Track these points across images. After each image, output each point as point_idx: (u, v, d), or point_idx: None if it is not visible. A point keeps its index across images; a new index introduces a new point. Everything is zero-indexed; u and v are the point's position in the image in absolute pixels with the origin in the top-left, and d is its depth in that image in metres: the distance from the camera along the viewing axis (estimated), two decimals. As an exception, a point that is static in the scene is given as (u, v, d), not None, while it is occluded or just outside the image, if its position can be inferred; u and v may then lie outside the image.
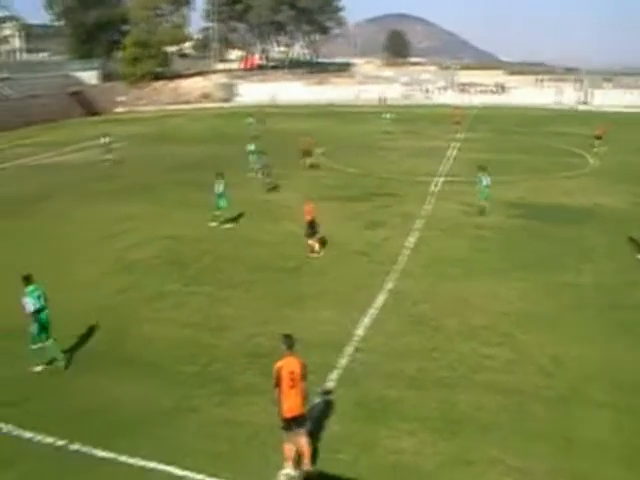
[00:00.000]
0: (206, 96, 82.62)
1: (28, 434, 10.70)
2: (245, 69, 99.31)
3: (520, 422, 10.67)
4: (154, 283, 17.63)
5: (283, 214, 24.31)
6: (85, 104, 77.36)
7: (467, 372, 12.30)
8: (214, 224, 22.98)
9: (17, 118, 64.75)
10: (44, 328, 12.81)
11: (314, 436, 10.20)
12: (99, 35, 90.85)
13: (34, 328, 12.70)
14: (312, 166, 33.96)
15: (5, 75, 72.71)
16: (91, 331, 14.68)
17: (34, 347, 12.84)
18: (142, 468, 9.73)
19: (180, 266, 18.96)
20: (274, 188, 28.75)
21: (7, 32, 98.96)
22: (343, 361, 12.80)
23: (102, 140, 38.58)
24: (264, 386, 11.73)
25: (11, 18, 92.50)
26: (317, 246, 19.66)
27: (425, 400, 11.36)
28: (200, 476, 9.47)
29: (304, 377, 9.22)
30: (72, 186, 31.90)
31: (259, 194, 27.80)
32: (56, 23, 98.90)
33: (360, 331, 14.15)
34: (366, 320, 14.72)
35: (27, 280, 12.79)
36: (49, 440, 10.51)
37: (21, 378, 12.71)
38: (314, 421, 10.68)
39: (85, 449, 10.24)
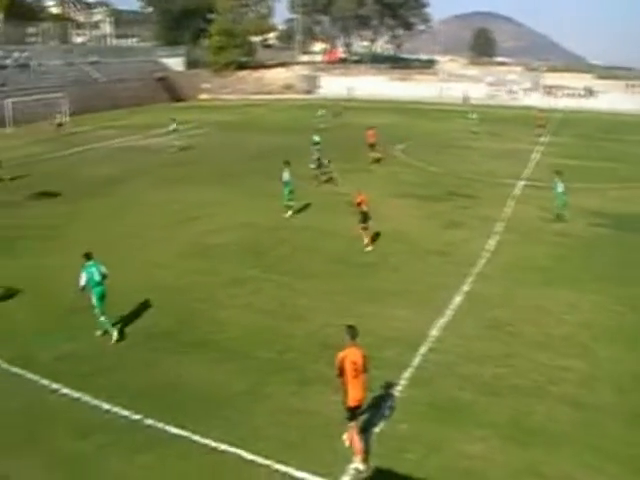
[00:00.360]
0: (288, 87, 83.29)
1: (105, 406, 11.15)
2: (328, 62, 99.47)
3: (594, 438, 10.33)
4: (231, 269, 17.99)
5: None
6: (170, 90, 79.32)
7: (542, 382, 12.00)
8: (289, 213, 23.32)
9: (104, 101, 67.01)
10: (101, 299, 13.73)
11: (383, 434, 10.29)
12: (186, 22, 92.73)
13: (95, 300, 13.66)
14: (376, 160, 33.92)
15: (95, 59, 75.24)
16: (168, 312, 15.12)
17: (102, 319, 13.79)
18: (214, 449, 9.97)
19: (257, 253, 19.28)
20: (327, 181, 28.73)
21: (97, 18, 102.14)
22: (416, 360, 12.74)
23: (171, 127, 39.43)
24: (332, 376, 11.90)
25: (101, 4, 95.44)
26: (366, 240, 19.73)
27: (498, 407, 11.18)
28: (269, 462, 9.63)
29: (366, 368, 9.45)
30: (153, 169, 32.96)
31: (336, 187, 27.89)
32: (144, 10, 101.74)
33: (435, 331, 14.04)
34: (441, 321, 14.59)
35: (87, 257, 13.96)
36: (125, 413, 10.93)
37: (100, 352, 13.27)
38: (383, 419, 10.73)
39: (159, 425, 10.59)
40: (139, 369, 12.51)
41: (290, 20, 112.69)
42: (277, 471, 9.45)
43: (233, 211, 24.08)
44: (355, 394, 9.34)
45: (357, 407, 9.50)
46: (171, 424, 10.56)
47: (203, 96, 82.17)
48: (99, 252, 19.13)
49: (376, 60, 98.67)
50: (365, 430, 10.27)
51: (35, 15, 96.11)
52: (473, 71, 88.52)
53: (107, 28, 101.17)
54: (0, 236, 21.51)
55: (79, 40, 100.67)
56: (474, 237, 21.11)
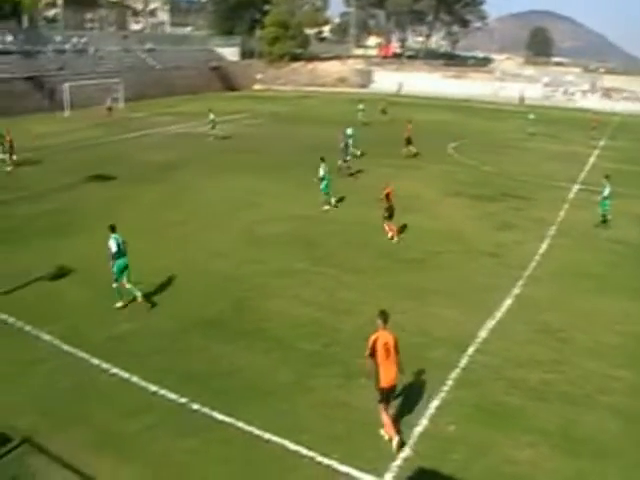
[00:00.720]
0: (342, 80, 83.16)
1: (153, 387, 11.36)
2: (382, 56, 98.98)
3: (644, 453, 10.05)
4: (281, 259, 18.10)
5: (412, 205, 24.07)
6: (224, 79, 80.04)
7: (592, 391, 11.75)
8: (327, 207, 23.49)
9: (159, 88, 67.97)
10: (123, 272, 14.56)
11: (429, 434, 10.24)
12: (241, 13, 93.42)
13: (114, 269, 14.52)
14: (410, 155, 33.80)
15: (151, 46, 76.32)
16: (219, 299, 15.31)
17: (114, 285, 14.66)
18: (258, 437, 10.06)
19: (307, 245, 19.33)
20: (350, 175, 28.69)
21: (154, 5, 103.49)
22: (464, 361, 12.60)
23: (210, 116, 39.55)
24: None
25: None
26: (391, 234, 19.92)
27: (546, 413, 10.98)
28: (312, 453, 9.66)
29: (397, 350, 9.80)
30: (207, 157, 33.38)
31: (387, 181, 27.58)
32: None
33: (483, 333, 13.86)
34: (490, 323, 14.38)
35: (112, 229, 14.78)
36: (172, 396, 11.10)
37: (151, 334, 13.51)
38: (429, 419, 10.65)
39: (205, 410, 10.73)
40: (189, 353, 12.70)
41: (345, 14, 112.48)
42: (320, 463, 9.46)
43: (284, 202, 24.20)
44: (387, 375, 9.64)
45: (389, 388, 9.75)
46: (216, 410, 10.69)
47: (257, 86, 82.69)
48: (153, 236, 19.85)
49: (430, 56, 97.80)
50: (399, 416, 10.38)
51: (94, 2, 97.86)
52: (529, 71, 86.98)
53: (163, 16, 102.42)
54: (55, 217, 22.07)
55: (136, 27, 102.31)
56: (526, 240, 20.75)
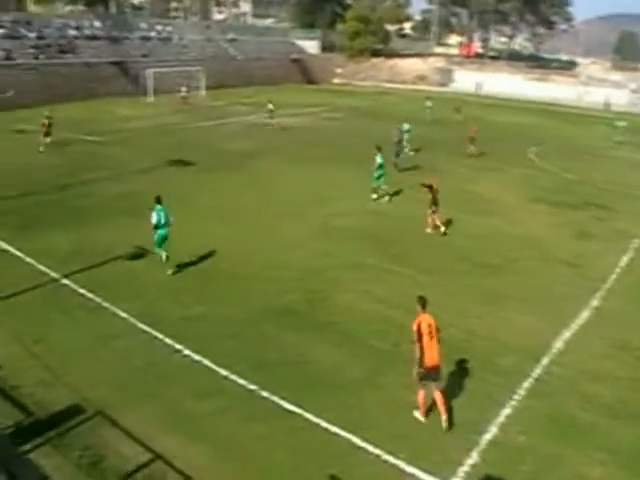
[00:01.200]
0: (422, 78, 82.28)
1: (224, 372, 11.54)
2: (463, 56, 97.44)
3: None
4: (356, 254, 18.05)
5: (491, 209, 23.69)
6: (304, 72, 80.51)
7: (670, 413, 11.26)
8: (374, 196, 23.71)
9: (240, 78, 68.95)
10: (163, 241, 15.96)
11: (498, 442, 10.03)
12: (322, 6, 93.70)
13: (156, 238, 15.90)
14: (473, 155, 33.26)
15: (233, 37, 77.42)
16: (291, 289, 15.41)
17: (156, 251, 16.25)
18: (325, 430, 10.08)
19: (383, 242, 19.21)
20: (400, 171, 28.28)
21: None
22: (537, 371, 12.26)
23: (269, 106, 39.81)
24: (453, 378, 11.68)
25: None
26: (438, 221, 20.14)
27: (620, 432, 10.55)
28: (378, 451, 9.62)
29: (439, 330, 10.29)
30: (285, 147, 33.76)
31: (468, 184, 27.31)
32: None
33: (559, 344, 13.45)
34: (566, 334, 13.94)
35: (158, 201, 15.94)
36: (242, 382, 11.24)
37: (225, 318, 13.72)
38: (499, 427, 10.43)
39: (274, 398, 10.82)
40: (261, 341, 12.84)
41: (427, 11, 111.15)
42: (386, 462, 9.40)
43: (359, 196, 24.11)
44: (431, 355, 10.05)
45: (434, 367, 10.11)
46: (286, 399, 10.76)
47: (336, 80, 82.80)
48: (229, 223, 20.19)
49: (513, 57, 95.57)
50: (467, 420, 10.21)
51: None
52: (616, 76, 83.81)
53: (246, 7, 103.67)
54: (135, 198, 22.62)
55: (219, 17, 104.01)
56: (607, 251, 20.00)
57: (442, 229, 20.17)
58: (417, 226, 20.74)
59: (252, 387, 11.10)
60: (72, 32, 61.62)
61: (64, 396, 10.64)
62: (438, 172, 27.87)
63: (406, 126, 31.42)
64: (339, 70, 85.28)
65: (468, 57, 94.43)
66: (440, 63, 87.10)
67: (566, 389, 11.76)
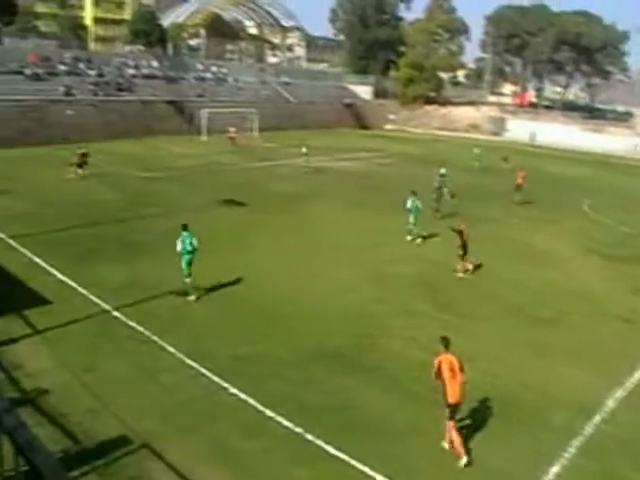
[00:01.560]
0: (475, 126, 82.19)
1: (270, 412, 11.51)
2: (517, 105, 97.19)
3: None
4: (405, 300, 17.95)
5: (544, 260, 23.25)
6: (357, 117, 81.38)
7: None
8: (408, 238, 24.08)
9: (293, 121, 70.07)
10: (189, 265, 16.75)
11: None
12: (376, 52, 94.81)
13: (182, 264, 16.75)
14: (519, 202, 32.91)
15: (287, 80, 78.98)
16: (340, 333, 15.38)
17: (186, 280, 16.91)
18: (369, 477, 9.93)
19: (432, 289, 19.06)
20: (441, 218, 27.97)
21: (292, 41, 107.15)
22: (588, 429, 11.86)
23: (303, 150, 40.23)
24: (502, 431, 11.41)
25: (297, 28, 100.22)
26: (469, 265, 20.63)
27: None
28: (422, 503, 9.42)
29: (462, 369, 10.77)
30: (336, 191, 33.91)
31: (519, 234, 26.93)
32: (337, 37, 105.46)
33: (612, 402, 13.00)
34: (619, 392, 13.48)
35: (184, 228, 17.11)
36: (287, 424, 11.20)
37: (275, 360, 13.73)
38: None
39: (319, 442, 10.74)
40: (308, 383, 12.79)
41: (481, 59, 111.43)
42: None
43: (410, 243, 24.13)
44: (453, 392, 10.55)
45: (456, 404, 10.62)
46: (330, 443, 10.67)
47: (388, 126, 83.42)
48: (280, 264, 20.35)
49: (568, 107, 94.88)
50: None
51: (234, 34, 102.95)
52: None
53: (300, 51, 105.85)
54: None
55: (273, 60, 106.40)
56: (665, 308, 19.42)
57: (469, 267, 20.62)
58: (470, 277, 20.51)
59: (297, 429, 11.04)
60: (130, 71, 63.94)
61: (111, 426, 10.80)
62: (488, 221, 27.80)
63: (443, 170, 31.42)
64: (392, 116, 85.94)
65: (522, 106, 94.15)
66: (493, 112, 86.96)
67: (618, 449, 11.36)
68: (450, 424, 10.60)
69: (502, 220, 29.16)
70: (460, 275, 20.35)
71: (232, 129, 53.87)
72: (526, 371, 13.80)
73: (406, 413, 11.96)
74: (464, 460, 10.39)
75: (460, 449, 10.50)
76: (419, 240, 24.38)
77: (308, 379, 12.93)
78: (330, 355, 14.10)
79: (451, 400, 10.50)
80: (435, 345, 14.91)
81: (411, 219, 24.15)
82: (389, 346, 14.87)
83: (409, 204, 24.01)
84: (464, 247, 20.25)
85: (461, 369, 10.73)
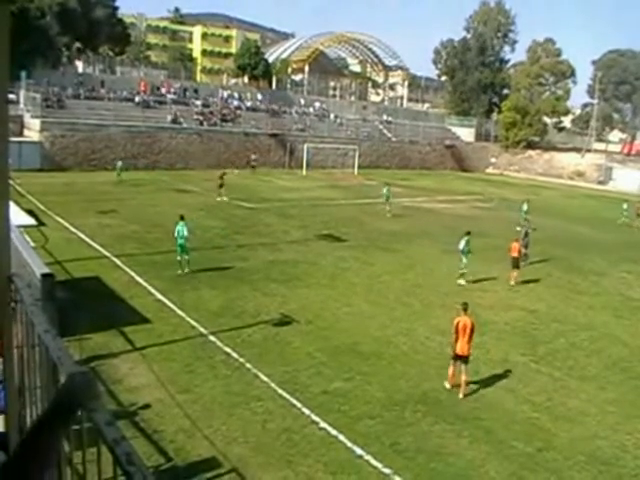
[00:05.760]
0: (580, 174, 79.68)
1: (359, 451, 11.31)
2: (624, 153, 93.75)
3: None
4: (501, 349, 17.33)
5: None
6: (458, 159, 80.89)
7: None
8: (462, 282, 23.39)
9: (393, 159, 70.56)
10: (182, 248, 21.59)
11: None
12: (479, 95, 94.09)
13: (176, 246, 21.70)
14: None
15: (388, 118, 79.43)
16: (435, 376, 15.00)
17: (178, 258, 21.73)
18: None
19: (531, 341, 18.30)
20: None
21: (394, 80, 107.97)
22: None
23: (384, 190, 39.47)
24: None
25: (399, 67, 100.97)
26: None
27: None
28: None
29: (472, 331, 13.93)
30: (438, 232, 33.60)
31: (629, 290, 25.51)
32: (439, 78, 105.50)
33: None
34: None
35: (182, 218, 21.91)
36: (376, 464, 10.96)
37: (363, 397, 13.54)
38: None
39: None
40: (400, 425, 12.51)
41: (587, 104, 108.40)
42: None
43: (512, 292, 23.36)
44: (461, 347, 13.85)
45: (460, 356, 13.92)
46: (422, 492, 10.34)
47: (489, 170, 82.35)
48: (379, 303, 20.25)
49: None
50: None
51: (337, 71, 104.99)
52: None
53: (402, 91, 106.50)
54: (287, 267, 23.68)
55: (375, 99, 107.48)
56: None
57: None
58: (571, 329, 19.65)
59: (386, 470, 10.77)
60: (235, 102, 66.10)
61: (202, 447, 10.96)
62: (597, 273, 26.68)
63: (525, 206, 30.30)
64: (493, 160, 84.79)
65: (629, 155, 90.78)
66: (599, 160, 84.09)
67: None
68: (451, 364, 14.19)
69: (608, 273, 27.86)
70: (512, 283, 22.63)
71: (253, 156, 55.06)
72: (627, 433, 12.97)
73: (501, 467, 11.38)
74: (447, 385, 14.17)
75: (452, 381, 14.12)
76: (462, 281, 23.53)
77: (400, 420, 12.65)
78: (424, 398, 13.77)
79: (458, 351, 13.91)
80: (534, 398, 14.47)
81: (464, 260, 23.56)
82: (486, 396, 14.35)
83: (462, 245, 23.49)
84: (516, 261, 23.75)
85: (472, 330, 13.86)
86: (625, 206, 43.72)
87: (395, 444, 11.67)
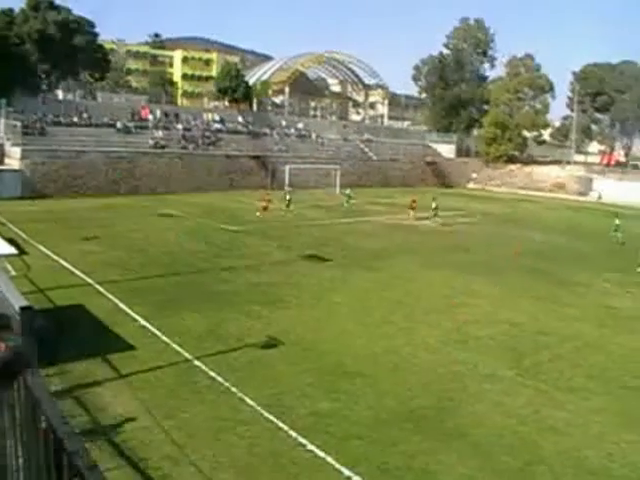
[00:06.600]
0: (560, 186, 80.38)
1: (347, 472, 11.23)
2: (603, 164, 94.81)
3: None
4: (487, 364, 17.30)
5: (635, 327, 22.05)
6: (439, 175, 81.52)
7: None
8: None
9: (374, 178, 70.98)
10: None
11: None
12: (459, 111, 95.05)
13: None
14: None
15: (369, 137, 80.00)
16: (420, 394, 15.00)
17: None
18: None
19: (516, 354, 18.30)
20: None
21: (374, 99, 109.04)
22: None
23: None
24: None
25: (379, 86, 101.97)
26: None
27: None
28: None
29: None
30: (419, 250, 33.70)
31: (608, 299, 25.67)
32: (419, 95, 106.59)
33: None
34: None
35: None
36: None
37: (355, 419, 13.43)
38: None
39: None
40: (387, 444, 12.44)
41: (566, 117, 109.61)
42: None
43: (494, 305, 23.40)
44: None
45: None
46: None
47: (470, 185, 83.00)
48: (362, 322, 20.27)
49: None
50: None
51: (318, 91, 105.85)
52: None
53: (382, 109, 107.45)
54: (270, 289, 23.59)
55: (356, 118, 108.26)
56: None
57: None
58: (555, 343, 19.65)
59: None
60: (216, 125, 66.33)
61: (189, 474, 10.85)
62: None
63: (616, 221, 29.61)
64: (474, 175, 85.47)
65: (608, 166, 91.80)
66: (579, 171, 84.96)
67: None
68: None
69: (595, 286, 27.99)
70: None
71: (288, 188, 54.74)
72: (613, 443, 12.98)
73: (488, 482, 11.43)
74: None
75: None
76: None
77: (388, 439, 12.58)
78: (411, 416, 13.72)
79: None
80: (521, 411, 14.48)
81: None
82: (471, 411, 14.30)
83: None
84: None
85: None
86: (617, 222, 40.72)
87: (384, 463, 11.62)
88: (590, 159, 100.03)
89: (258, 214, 41.54)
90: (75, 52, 65.42)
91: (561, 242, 39.25)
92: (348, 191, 50.04)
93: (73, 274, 23.91)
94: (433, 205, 41.39)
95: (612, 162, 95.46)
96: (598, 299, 25.49)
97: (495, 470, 11.80)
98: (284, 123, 75.18)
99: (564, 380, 16.63)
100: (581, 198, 75.08)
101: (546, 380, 16.48)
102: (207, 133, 63.16)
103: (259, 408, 13.47)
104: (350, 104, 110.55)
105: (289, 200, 44.72)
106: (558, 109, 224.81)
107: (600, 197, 73.94)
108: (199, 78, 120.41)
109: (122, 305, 20.29)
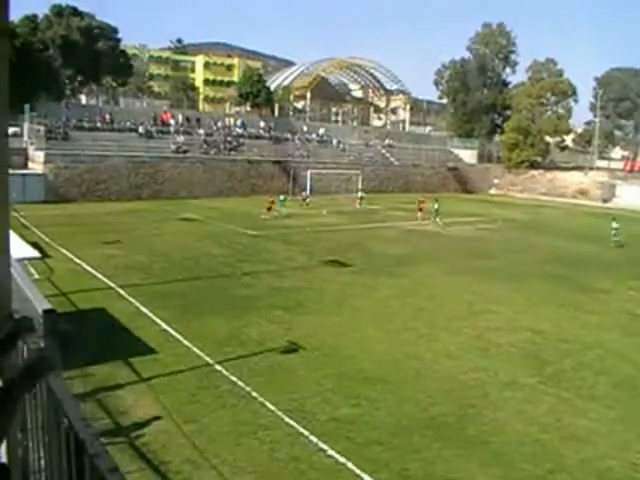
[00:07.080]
0: (583, 192, 79.62)
1: (367, 477, 11.18)
2: (627, 170, 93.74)
3: None
4: (508, 371, 17.18)
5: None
6: (460, 181, 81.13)
7: None
8: None
9: (396, 183, 70.82)
10: None
11: None
12: (481, 116, 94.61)
13: None
14: None
15: (391, 142, 79.85)
16: (441, 401, 14.91)
17: None
18: None
19: (538, 362, 18.15)
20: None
21: (396, 104, 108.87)
22: None
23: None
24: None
25: (401, 91, 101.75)
26: None
27: None
28: None
29: None
30: (442, 256, 33.55)
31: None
32: (441, 101, 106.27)
33: None
34: None
35: None
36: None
37: (377, 425, 13.40)
38: None
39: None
40: (408, 451, 12.40)
41: (589, 123, 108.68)
42: None
43: (518, 313, 23.18)
44: None
45: None
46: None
47: (492, 191, 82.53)
48: (383, 327, 20.21)
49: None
50: None
51: (339, 97, 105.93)
52: None
53: (404, 114, 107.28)
54: (292, 294, 23.63)
55: (377, 123, 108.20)
56: None
57: None
58: (578, 348, 19.55)
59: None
60: (238, 130, 66.63)
61: (209, 478, 10.89)
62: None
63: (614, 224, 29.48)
64: (496, 180, 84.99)
65: (631, 172, 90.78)
66: (602, 177, 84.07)
67: None
68: None
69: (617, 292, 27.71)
70: None
71: (304, 192, 54.96)
72: (638, 453, 12.86)
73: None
74: None
75: None
76: None
77: (409, 446, 12.54)
78: (432, 423, 13.67)
79: None
80: (543, 419, 14.36)
81: None
82: (493, 418, 14.19)
83: None
84: None
85: None
86: (615, 224, 40.93)
87: (404, 470, 11.58)
88: (613, 165, 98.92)
89: (263, 217, 41.83)
90: (98, 57, 66.31)
91: (584, 249, 38.86)
92: (360, 194, 53.63)
93: (95, 277, 24.16)
94: (435, 207, 41.26)
95: (636, 168, 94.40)
96: (622, 306, 25.18)
97: (516, 478, 11.71)
98: (305, 128, 75.31)
99: (587, 388, 16.46)
100: (604, 204, 74.24)
101: (568, 388, 16.30)
102: (229, 138, 63.47)
103: (280, 413, 13.49)
104: (372, 109, 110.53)
105: (307, 203, 45.19)
106: (581, 114, 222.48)
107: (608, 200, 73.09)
108: (221, 83, 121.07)
109: (144, 309, 20.45)
